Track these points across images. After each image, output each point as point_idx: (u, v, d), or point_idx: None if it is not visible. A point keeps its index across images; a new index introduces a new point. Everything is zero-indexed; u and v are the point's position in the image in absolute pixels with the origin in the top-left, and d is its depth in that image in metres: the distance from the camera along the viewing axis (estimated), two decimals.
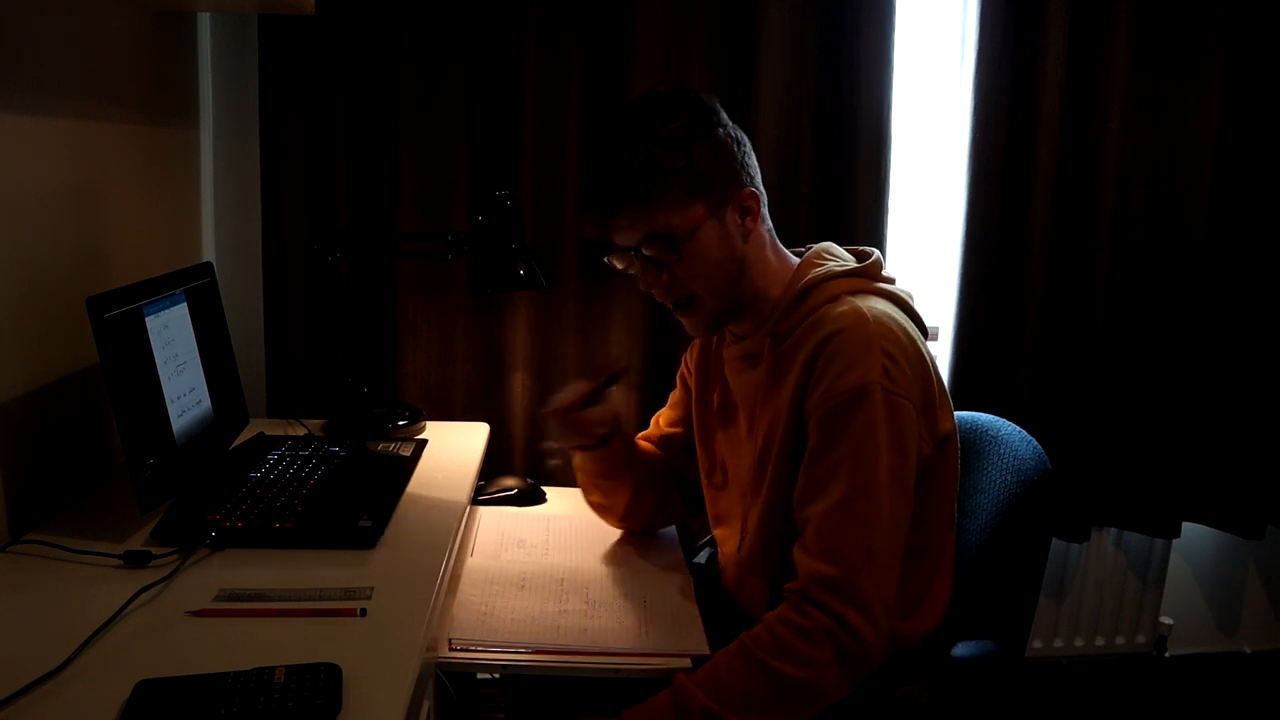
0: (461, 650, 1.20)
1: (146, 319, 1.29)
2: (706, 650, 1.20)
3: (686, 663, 1.19)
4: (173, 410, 1.33)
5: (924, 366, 1.19)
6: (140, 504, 1.20)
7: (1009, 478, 1.32)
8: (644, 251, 1.23)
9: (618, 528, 1.56)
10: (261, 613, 1.05)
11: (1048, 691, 2.29)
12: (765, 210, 1.29)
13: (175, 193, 1.74)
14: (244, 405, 1.63)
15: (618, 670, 1.19)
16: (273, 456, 1.50)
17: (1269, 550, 2.36)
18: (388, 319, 1.89)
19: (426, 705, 1.13)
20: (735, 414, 1.36)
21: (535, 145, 1.84)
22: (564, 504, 1.71)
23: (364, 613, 1.05)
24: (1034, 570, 1.30)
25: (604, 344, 1.93)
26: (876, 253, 1.30)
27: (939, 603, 1.27)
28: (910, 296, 1.28)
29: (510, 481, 1.71)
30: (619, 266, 1.29)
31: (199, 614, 1.04)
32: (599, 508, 1.54)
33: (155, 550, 1.16)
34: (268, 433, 1.64)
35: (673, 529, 1.58)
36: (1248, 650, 2.46)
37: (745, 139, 1.27)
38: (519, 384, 1.92)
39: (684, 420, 1.50)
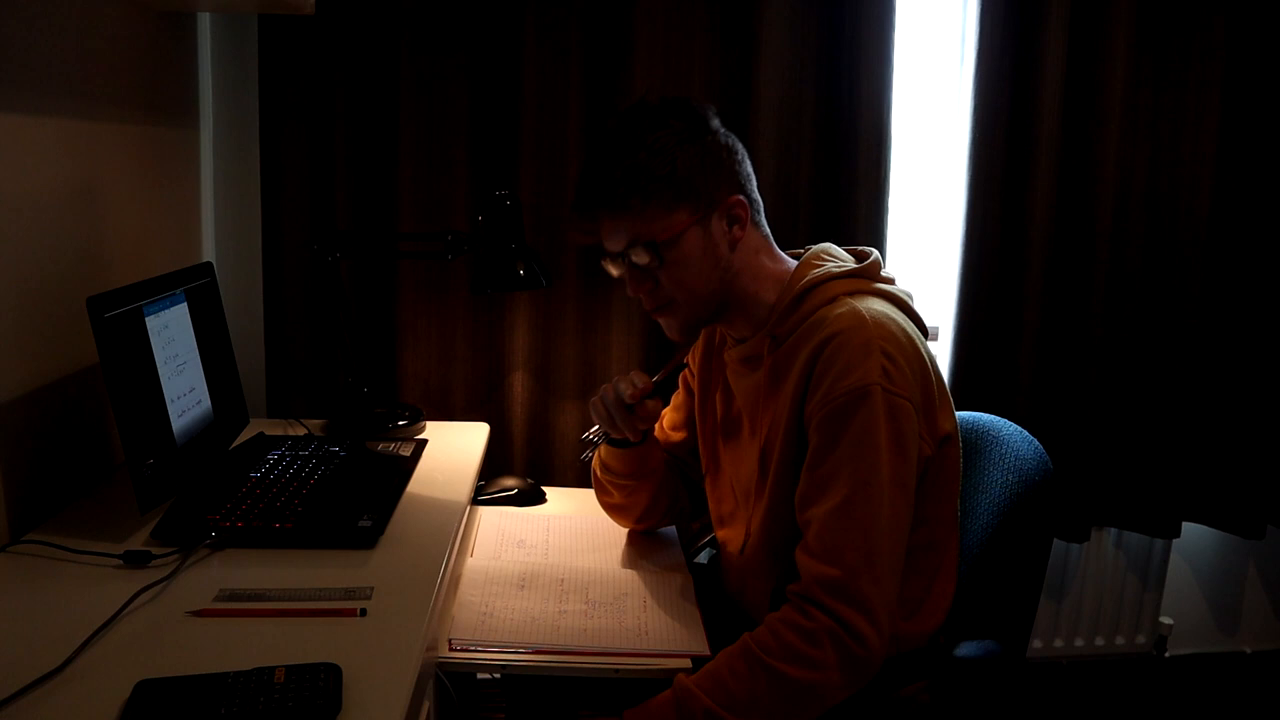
0: (461, 650, 1.20)
1: (146, 319, 1.29)
2: (707, 651, 1.20)
3: (687, 663, 1.19)
4: (173, 410, 1.33)
5: (924, 367, 1.19)
6: (140, 504, 1.20)
7: (1010, 478, 1.32)
8: (630, 257, 1.23)
9: (629, 528, 1.55)
10: (261, 613, 1.05)
11: (1048, 691, 2.29)
12: (760, 216, 1.29)
13: (175, 193, 1.74)
14: (244, 405, 1.63)
15: (618, 670, 1.19)
16: (273, 456, 1.50)
17: (1269, 550, 2.36)
18: (388, 319, 1.89)
19: (426, 705, 1.13)
20: (738, 416, 1.36)
21: (535, 145, 1.84)
22: (564, 504, 1.71)
23: (364, 613, 1.05)
24: (1035, 570, 1.30)
25: (604, 344, 1.93)
26: (875, 253, 1.30)
27: (942, 602, 1.27)
28: (909, 296, 1.28)
29: (510, 481, 1.71)
30: (613, 272, 1.29)
31: (199, 614, 1.04)
32: (615, 508, 1.53)
33: (155, 550, 1.16)
34: (268, 433, 1.64)
35: (673, 529, 1.58)
36: (1248, 650, 2.46)
37: (739, 147, 1.27)
38: (519, 384, 1.92)
39: (687, 422, 1.50)
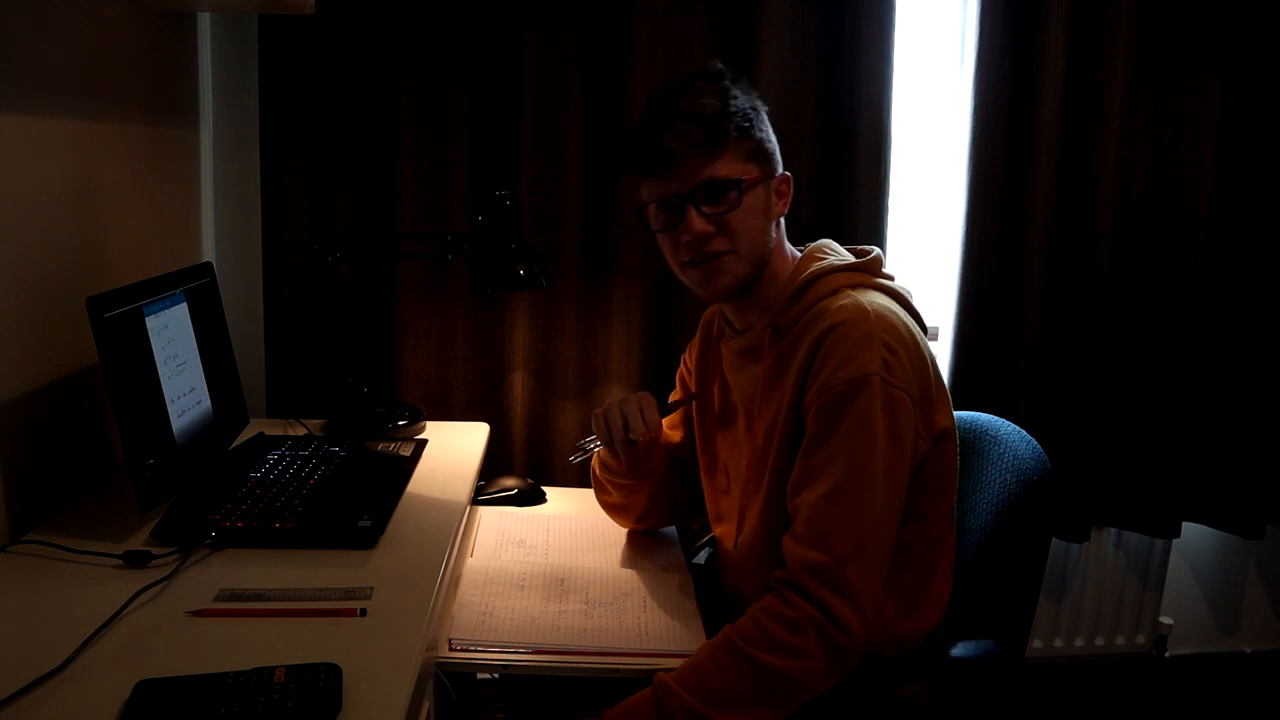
0: (461, 650, 1.20)
1: (146, 319, 1.29)
2: None
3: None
4: (173, 410, 1.33)
5: (923, 362, 1.19)
6: (140, 504, 1.20)
7: (1008, 477, 1.32)
8: (699, 197, 1.21)
9: (628, 528, 1.55)
10: (261, 613, 1.05)
11: (1048, 691, 2.29)
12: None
13: (175, 193, 1.74)
14: (244, 405, 1.63)
15: (617, 670, 1.19)
16: (273, 456, 1.50)
17: (1269, 550, 2.36)
18: (388, 319, 1.89)
19: (426, 705, 1.13)
20: (734, 412, 1.36)
21: (535, 145, 1.84)
22: (564, 504, 1.71)
23: (364, 613, 1.05)
24: (1033, 570, 1.30)
25: (604, 344, 1.93)
26: (876, 250, 1.30)
27: (939, 601, 1.27)
28: (909, 294, 1.29)
29: (510, 481, 1.71)
30: (659, 220, 1.26)
31: (199, 614, 1.04)
32: (614, 508, 1.53)
33: (155, 550, 1.16)
34: (268, 433, 1.64)
35: (673, 529, 1.58)
36: (1248, 650, 2.46)
37: None
38: (519, 384, 1.92)
39: (685, 421, 1.50)
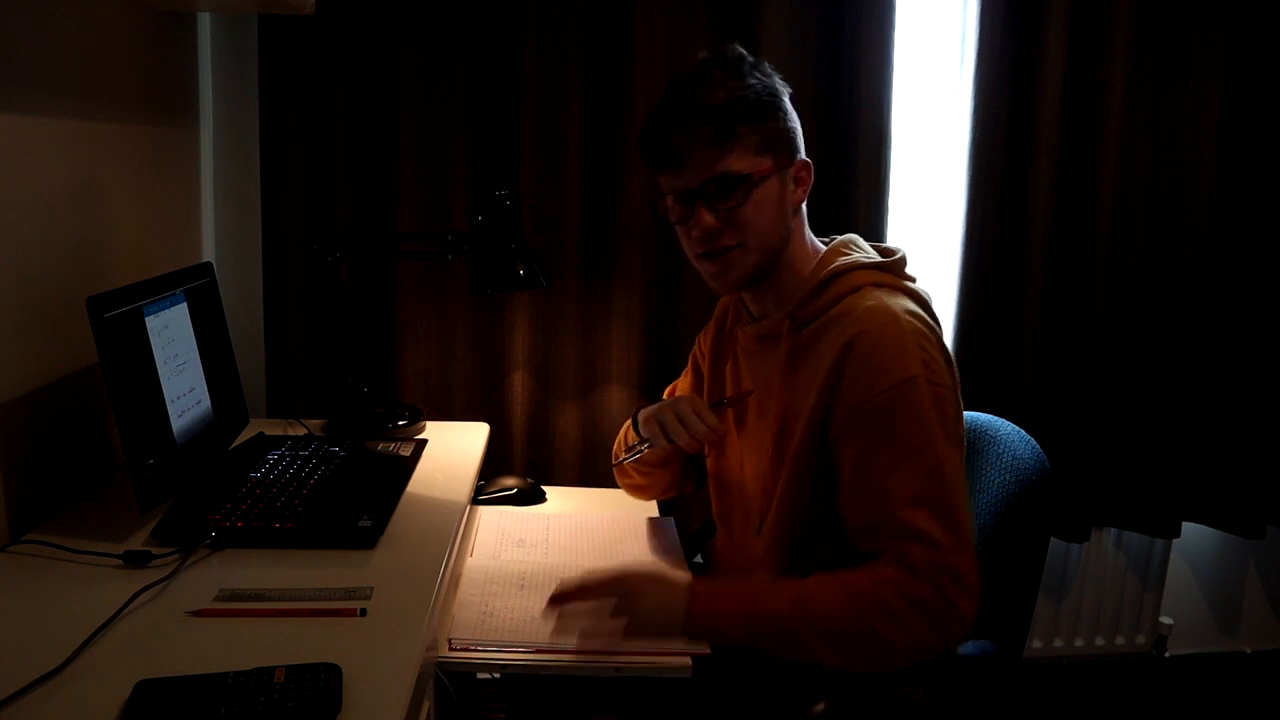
0: (461, 650, 1.20)
1: (146, 319, 1.29)
2: (707, 649, 1.20)
3: (686, 661, 1.18)
4: (173, 410, 1.33)
5: (952, 363, 1.19)
6: (140, 504, 1.20)
7: (1007, 478, 1.32)
8: (708, 191, 1.20)
9: (646, 501, 1.60)
10: (261, 613, 1.05)
11: (1048, 691, 2.29)
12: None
13: (175, 193, 1.74)
14: (244, 405, 1.63)
15: (618, 670, 1.19)
16: (273, 456, 1.50)
17: (1269, 550, 2.36)
18: (388, 319, 1.89)
19: (426, 705, 1.13)
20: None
21: (535, 145, 1.84)
22: (564, 503, 1.71)
23: (364, 613, 1.05)
24: (1032, 571, 1.30)
25: (604, 344, 1.93)
26: (903, 251, 1.28)
27: None
28: (930, 298, 1.27)
29: (510, 481, 1.71)
30: (672, 213, 1.26)
31: (199, 614, 1.04)
32: (636, 488, 1.57)
33: (155, 550, 1.16)
34: (268, 433, 1.64)
35: (673, 529, 1.58)
36: (1248, 650, 2.46)
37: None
38: (519, 384, 1.92)
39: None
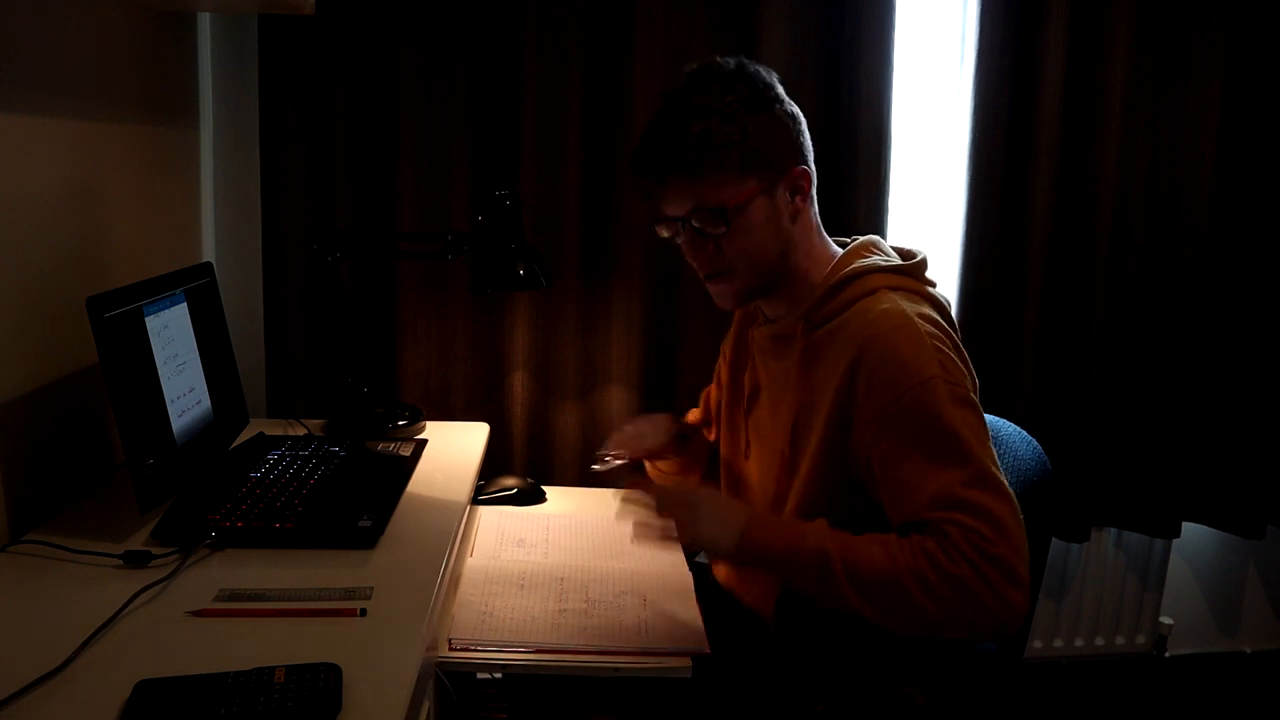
0: (461, 650, 1.20)
1: (146, 319, 1.29)
2: (706, 649, 1.20)
3: (687, 661, 1.19)
4: (173, 410, 1.33)
5: (970, 366, 1.17)
6: (140, 504, 1.20)
7: (1008, 478, 1.31)
8: (693, 222, 1.22)
9: None
10: (261, 613, 1.05)
11: (1048, 691, 2.29)
12: (814, 192, 1.28)
13: (175, 193, 1.74)
14: (244, 405, 1.63)
15: (618, 669, 1.19)
16: (273, 456, 1.50)
17: (1269, 550, 2.36)
18: (388, 319, 1.89)
19: (426, 705, 1.13)
20: (760, 396, 1.35)
21: (535, 145, 1.84)
22: (564, 504, 1.71)
23: (364, 613, 1.05)
24: (1032, 571, 1.29)
25: (604, 344, 1.93)
26: (924, 254, 1.27)
27: None
28: (948, 304, 1.26)
29: (510, 481, 1.71)
30: (665, 235, 1.27)
31: (199, 614, 1.04)
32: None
33: (155, 550, 1.16)
34: (268, 433, 1.64)
35: (673, 526, 1.57)
36: (1248, 650, 2.46)
37: (801, 117, 1.26)
38: (519, 384, 1.92)
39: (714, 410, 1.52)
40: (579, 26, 1.82)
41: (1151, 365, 2.11)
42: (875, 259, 1.25)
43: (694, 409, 1.62)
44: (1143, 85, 2.01)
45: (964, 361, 1.16)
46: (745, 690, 1.28)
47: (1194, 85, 2.01)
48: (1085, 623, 2.31)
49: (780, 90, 1.25)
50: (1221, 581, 2.42)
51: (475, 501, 1.63)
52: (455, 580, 1.35)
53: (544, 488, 1.74)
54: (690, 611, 1.31)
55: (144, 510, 1.21)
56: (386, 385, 1.91)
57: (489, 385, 1.94)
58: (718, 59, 1.24)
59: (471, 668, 1.20)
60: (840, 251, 1.29)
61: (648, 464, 1.53)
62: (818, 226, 1.30)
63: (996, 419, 1.43)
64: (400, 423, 1.70)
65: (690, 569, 1.46)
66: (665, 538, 1.17)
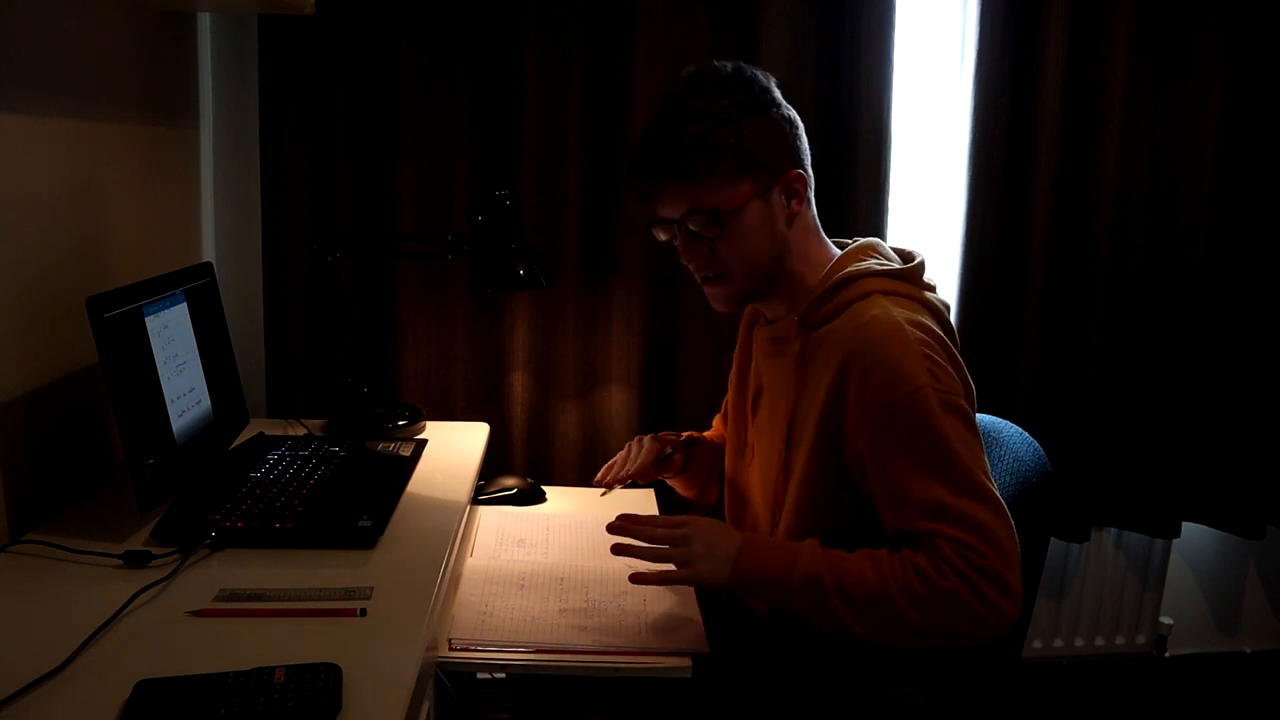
0: (461, 650, 1.20)
1: (146, 319, 1.29)
2: (706, 649, 1.20)
3: (687, 662, 1.19)
4: (173, 410, 1.33)
5: (964, 372, 1.17)
6: (140, 504, 1.20)
7: (1008, 479, 1.32)
8: (688, 225, 1.22)
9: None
10: (261, 613, 1.05)
11: (1048, 691, 2.29)
12: (811, 194, 1.28)
13: (175, 193, 1.74)
14: (244, 405, 1.63)
15: (618, 669, 1.19)
16: (273, 456, 1.50)
17: (1269, 550, 2.36)
18: (388, 319, 1.89)
19: (426, 705, 1.13)
20: (762, 397, 1.35)
21: (535, 145, 1.84)
22: (564, 504, 1.71)
23: (364, 613, 1.05)
24: (1032, 571, 1.30)
25: (604, 344, 1.93)
26: (922, 257, 1.27)
27: None
28: (947, 308, 1.25)
29: (510, 481, 1.71)
30: (662, 238, 1.28)
31: (199, 614, 1.04)
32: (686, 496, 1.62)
33: (155, 550, 1.16)
34: (268, 433, 1.64)
35: None
36: (1248, 650, 2.46)
37: (798, 120, 1.26)
38: (519, 384, 1.92)
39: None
40: (579, 26, 1.82)
41: (1151, 365, 2.11)
42: (870, 263, 1.25)
43: (716, 415, 1.63)
44: (1143, 85, 2.01)
45: (957, 368, 1.15)
46: (744, 691, 1.28)
47: (1194, 85, 2.01)
48: (1085, 623, 2.31)
49: (777, 94, 1.25)
50: (1221, 581, 2.42)
51: (475, 501, 1.63)
52: (455, 580, 1.35)
53: (544, 488, 1.74)
54: (690, 611, 1.31)
55: (144, 510, 1.21)
56: (386, 385, 1.91)
57: (489, 385, 1.94)
58: (715, 62, 1.24)
59: (471, 668, 1.21)
60: (839, 253, 1.28)
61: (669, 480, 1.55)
62: (816, 229, 1.30)
63: (996, 419, 1.43)
64: (400, 423, 1.70)
65: None
66: (663, 580, 1.18)
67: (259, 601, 1.07)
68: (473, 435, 1.74)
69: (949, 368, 1.13)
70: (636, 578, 1.18)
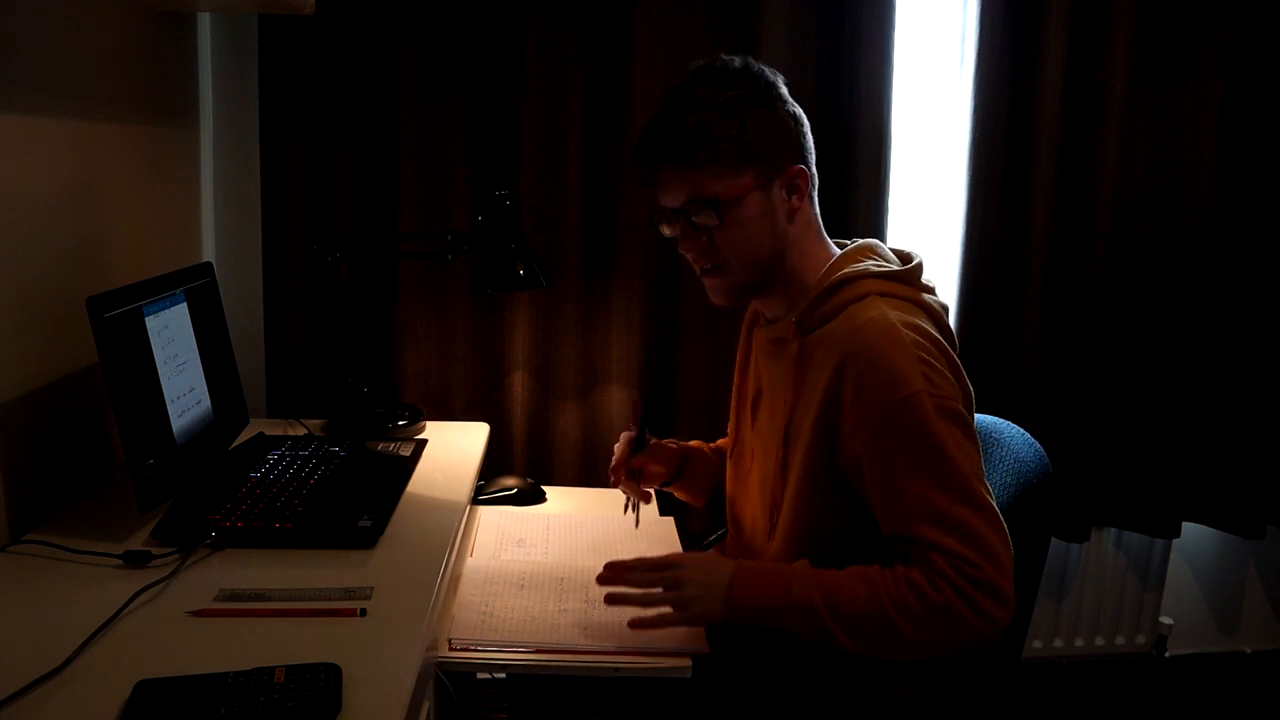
0: (461, 650, 1.20)
1: (146, 319, 1.29)
2: (706, 649, 1.20)
3: (686, 662, 1.19)
4: (173, 410, 1.33)
5: (961, 375, 1.16)
6: (140, 504, 1.20)
7: (1009, 479, 1.32)
8: (688, 214, 1.22)
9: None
10: (261, 613, 1.05)
11: (1048, 691, 2.29)
12: (814, 192, 1.28)
13: (175, 193, 1.74)
14: (244, 405, 1.63)
15: (618, 669, 1.19)
16: (273, 456, 1.50)
17: (1269, 550, 2.36)
18: (388, 319, 1.89)
19: (426, 705, 1.13)
20: (761, 399, 1.35)
21: (535, 145, 1.84)
22: (564, 503, 1.71)
23: (364, 613, 1.05)
24: (1032, 571, 1.30)
25: (604, 344, 1.93)
26: (920, 258, 1.27)
27: None
28: (945, 310, 1.25)
29: (510, 481, 1.71)
30: (667, 233, 1.28)
31: (199, 614, 1.04)
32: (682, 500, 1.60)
33: (155, 550, 1.16)
34: (268, 433, 1.64)
35: (673, 529, 1.57)
36: (1248, 650, 2.46)
37: (804, 118, 1.27)
38: (519, 384, 1.92)
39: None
40: (579, 26, 1.82)
41: (1151, 365, 2.11)
42: (868, 264, 1.25)
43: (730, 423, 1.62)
44: (1143, 85, 2.01)
45: (954, 371, 1.15)
46: (744, 691, 1.28)
47: (1194, 85, 2.01)
48: (1085, 623, 2.31)
49: (784, 90, 1.25)
50: (1221, 581, 2.42)
51: (475, 501, 1.63)
52: (455, 580, 1.35)
53: (544, 488, 1.74)
54: None
55: (144, 510, 1.21)
56: (386, 385, 1.91)
57: (489, 385, 1.94)
58: (723, 55, 1.24)
59: (471, 668, 1.20)
60: (838, 254, 1.28)
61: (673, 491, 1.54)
62: (817, 227, 1.30)
63: (996, 419, 1.43)
64: (400, 423, 1.70)
65: None
66: (661, 624, 1.17)
67: (259, 601, 1.07)
68: (473, 435, 1.74)
69: (945, 371, 1.13)
70: (635, 623, 1.18)
